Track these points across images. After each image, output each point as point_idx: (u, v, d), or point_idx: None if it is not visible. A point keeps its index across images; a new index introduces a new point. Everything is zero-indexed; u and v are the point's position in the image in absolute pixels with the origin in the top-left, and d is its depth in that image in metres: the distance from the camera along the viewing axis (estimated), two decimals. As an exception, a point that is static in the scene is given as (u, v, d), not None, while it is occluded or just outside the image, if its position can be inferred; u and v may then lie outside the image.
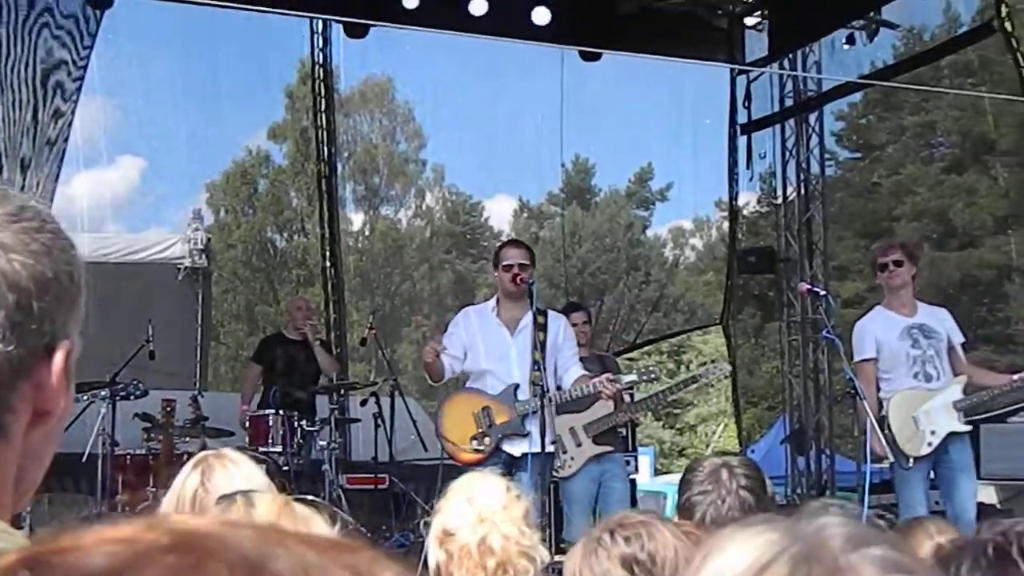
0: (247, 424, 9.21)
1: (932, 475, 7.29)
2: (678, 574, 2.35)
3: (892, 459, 7.11)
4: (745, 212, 15.89)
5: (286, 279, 27.23)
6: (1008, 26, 11.04)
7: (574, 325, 8.49)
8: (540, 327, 6.91)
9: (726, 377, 11.91)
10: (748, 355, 23.08)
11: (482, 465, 6.28)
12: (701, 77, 13.44)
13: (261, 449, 8.80)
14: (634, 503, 8.88)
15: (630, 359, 13.46)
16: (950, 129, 27.37)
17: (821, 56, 12.48)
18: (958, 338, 7.46)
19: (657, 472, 22.17)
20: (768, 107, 12.92)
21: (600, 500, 7.85)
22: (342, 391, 10.42)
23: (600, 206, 33.56)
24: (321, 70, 13.00)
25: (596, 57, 11.96)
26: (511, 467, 6.55)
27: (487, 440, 6.81)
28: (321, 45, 12.81)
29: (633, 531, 2.49)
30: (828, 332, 7.30)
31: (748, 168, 13.23)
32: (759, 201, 16.79)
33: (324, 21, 12.29)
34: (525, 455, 6.76)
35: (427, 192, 31.04)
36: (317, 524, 1.61)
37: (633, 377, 7.68)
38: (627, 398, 8.69)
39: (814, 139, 12.90)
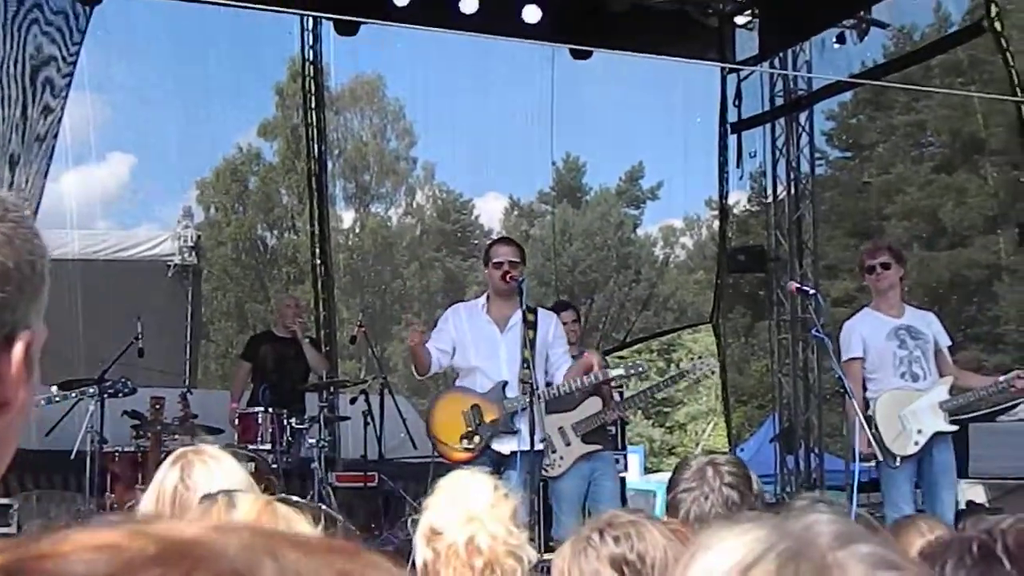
0: (236, 422, 9.20)
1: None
2: (667, 574, 2.35)
3: (880, 458, 7.14)
4: (735, 211, 15.92)
5: (276, 277, 27.14)
6: (998, 26, 11.07)
7: (563, 324, 8.49)
8: (530, 325, 6.90)
9: (713, 373, 11.93)
10: (738, 354, 23.11)
11: (471, 464, 6.26)
12: (692, 76, 13.46)
13: (250, 447, 8.78)
14: (624, 501, 8.89)
15: (620, 357, 13.43)
16: (940, 129, 27.42)
17: (811, 55, 12.50)
18: (945, 341, 7.53)
19: (647, 470, 22.16)
20: (758, 106, 12.93)
21: (590, 499, 7.86)
22: (331, 389, 10.40)
23: (591, 204, 33.57)
24: (311, 68, 12.98)
25: (587, 55, 11.96)
26: (499, 465, 6.54)
27: (476, 439, 6.81)
28: (311, 43, 12.79)
29: (623, 531, 2.48)
30: (817, 331, 7.29)
31: (738, 167, 13.26)
32: (749, 200, 16.84)
33: (314, 18, 12.28)
34: (514, 453, 6.76)
35: (417, 190, 31.04)
36: (299, 524, 1.60)
37: (620, 371, 7.69)
38: (616, 396, 8.70)
39: (804, 138, 12.91)
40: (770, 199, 13.24)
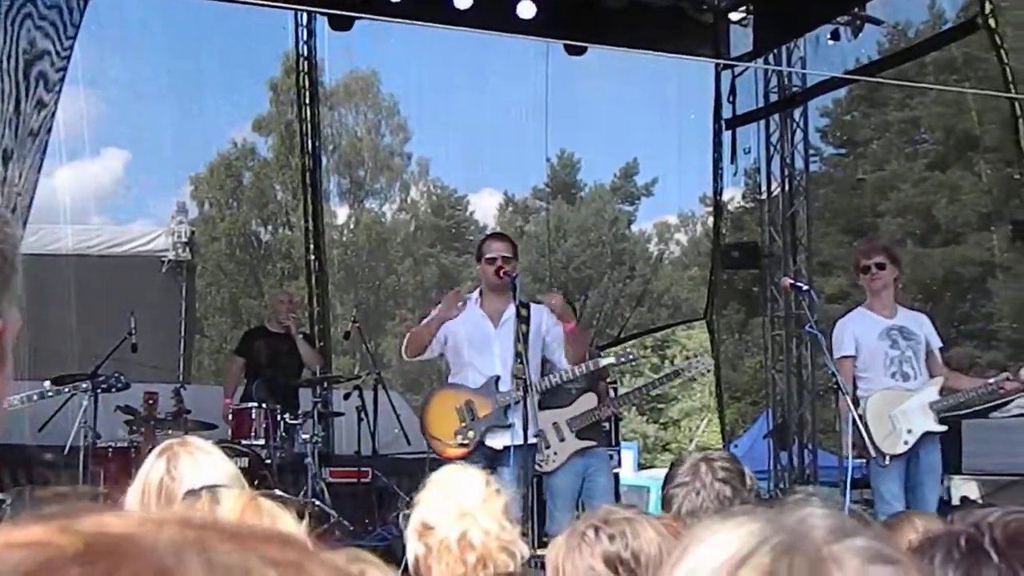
0: (230, 417, 9.20)
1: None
2: (661, 570, 2.35)
3: (873, 456, 7.16)
4: (729, 207, 15.90)
5: (270, 272, 27.14)
6: (992, 23, 11.08)
7: None
8: (523, 319, 6.90)
9: (708, 371, 11.95)
10: (732, 350, 23.09)
11: (465, 460, 6.26)
12: (686, 72, 13.46)
13: (244, 442, 8.80)
14: (617, 498, 8.89)
15: (614, 353, 13.44)
16: (934, 126, 27.42)
17: (806, 52, 12.50)
18: (936, 342, 7.58)
19: (641, 467, 22.19)
20: (753, 102, 12.93)
21: (584, 495, 7.86)
22: (325, 384, 10.39)
23: (585, 201, 33.57)
24: (306, 63, 12.96)
25: (581, 51, 11.95)
26: (493, 461, 6.54)
27: (471, 434, 6.82)
28: (306, 38, 12.77)
29: (618, 528, 2.48)
30: (811, 327, 7.33)
31: (732, 163, 13.26)
32: (743, 196, 16.78)
33: (309, 14, 12.25)
34: (507, 448, 6.76)
35: (412, 186, 31.02)
36: (283, 519, 1.60)
37: (611, 360, 7.72)
38: (611, 392, 8.72)
39: (798, 135, 12.91)
40: (764, 195, 13.24)
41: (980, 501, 10.51)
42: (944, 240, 27.07)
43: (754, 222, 14.16)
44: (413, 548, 3.04)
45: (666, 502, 3.46)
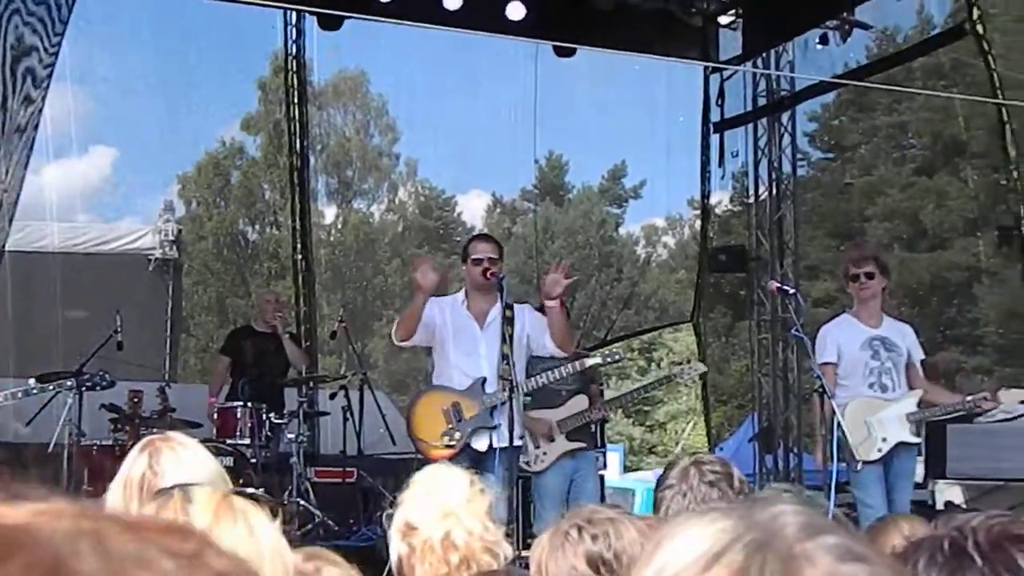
0: (215, 416, 9.17)
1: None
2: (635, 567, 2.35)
3: (848, 460, 7.19)
4: (717, 211, 15.94)
5: (257, 272, 27.11)
6: (980, 29, 11.13)
7: None
8: (507, 321, 6.87)
9: (700, 377, 11.99)
10: (718, 353, 23.15)
11: (450, 461, 6.24)
12: (675, 75, 13.47)
13: (229, 441, 8.78)
14: (603, 500, 8.89)
15: (600, 353, 13.44)
16: (922, 131, 27.52)
17: (794, 56, 12.52)
18: (918, 355, 7.61)
19: (626, 469, 22.20)
20: (741, 106, 12.94)
21: (570, 497, 7.87)
22: (311, 384, 10.38)
23: (573, 203, 33.59)
24: (294, 62, 12.94)
25: (570, 53, 11.95)
26: (477, 462, 6.52)
27: (457, 435, 6.79)
28: (294, 37, 12.75)
29: (601, 529, 2.49)
30: (797, 331, 7.35)
31: (720, 167, 13.28)
32: (731, 200, 16.85)
33: (298, 13, 12.23)
34: (491, 450, 6.74)
35: (400, 186, 31.01)
36: (257, 517, 1.59)
37: (597, 360, 7.70)
38: (602, 395, 8.75)
39: (786, 139, 12.93)
40: (752, 199, 13.25)
41: (964, 506, 10.54)
42: (931, 245, 27.16)
43: (741, 225, 14.19)
44: (396, 548, 3.04)
45: (656, 505, 3.47)
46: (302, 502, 8.76)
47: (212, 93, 15.71)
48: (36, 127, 10.26)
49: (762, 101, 12.87)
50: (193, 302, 25.05)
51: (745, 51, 12.59)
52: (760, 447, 12.75)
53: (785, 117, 12.94)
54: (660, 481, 3.50)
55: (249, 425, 8.96)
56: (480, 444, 6.84)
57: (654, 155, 15.03)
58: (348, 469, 9.84)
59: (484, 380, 6.87)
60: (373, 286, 27.96)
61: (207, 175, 28.67)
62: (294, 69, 12.98)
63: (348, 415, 9.66)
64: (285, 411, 9.40)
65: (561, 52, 11.99)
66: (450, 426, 6.81)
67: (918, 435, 7.43)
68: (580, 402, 8.06)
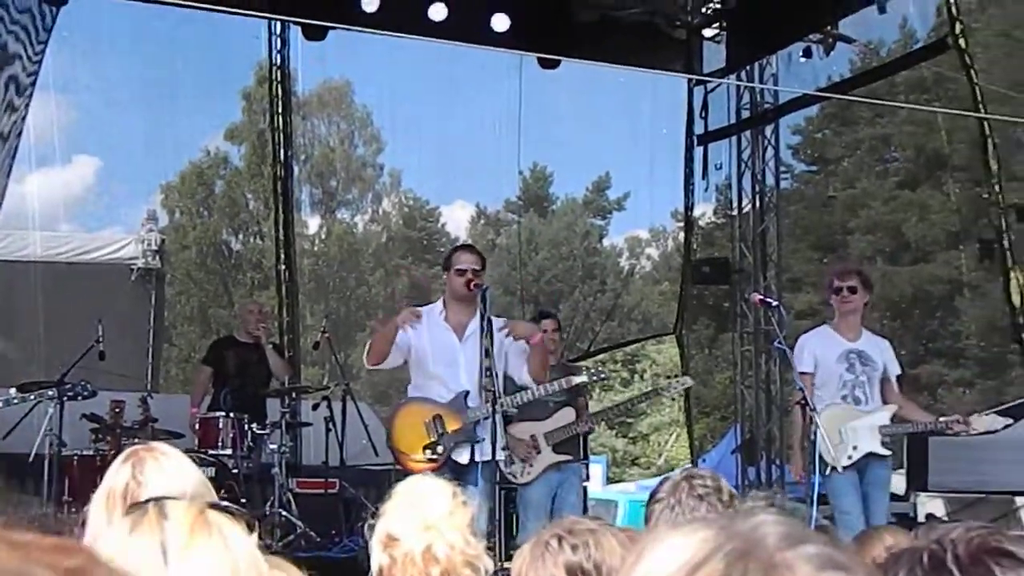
0: (197, 426, 9.13)
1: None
2: (617, 577, 2.35)
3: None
4: (700, 223, 15.97)
5: (240, 282, 27.09)
6: (962, 43, 11.17)
7: (544, 332, 8.50)
8: (485, 333, 6.81)
9: (687, 391, 12.06)
10: (701, 365, 23.16)
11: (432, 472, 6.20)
12: (659, 87, 13.51)
13: (211, 452, 8.74)
14: (585, 512, 8.89)
15: (585, 367, 13.46)
16: (904, 144, 27.61)
17: (778, 69, 12.57)
18: (894, 370, 7.69)
19: (609, 481, 22.20)
20: (725, 118, 12.99)
21: (554, 509, 7.87)
22: (294, 395, 10.35)
23: (557, 214, 33.63)
24: (279, 72, 12.91)
25: (555, 65, 11.97)
26: (458, 474, 6.48)
27: (439, 449, 6.72)
28: (279, 47, 12.73)
29: (581, 539, 2.48)
30: (780, 343, 7.39)
31: (704, 179, 13.31)
32: (714, 212, 16.88)
33: (282, 23, 12.22)
34: (473, 463, 6.71)
35: (384, 197, 31.00)
36: (234, 532, 1.58)
37: (583, 378, 7.67)
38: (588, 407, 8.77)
39: (770, 151, 12.97)
40: (735, 211, 13.29)
41: (946, 518, 10.56)
42: (913, 258, 27.24)
43: (725, 238, 14.22)
44: (378, 559, 3.03)
45: (646, 518, 3.47)
46: (284, 513, 8.73)
47: (196, 103, 15.73)
48: (19, 135, 10.25)
49: (746, 114, 12.92)
50: (176, 312, 25.00)
51: (729, 64, 12.63)
52: (743, 459, 12.77)
53: (769, 130, 12.99)
54: (652, 495, 3.50)
55: (231, 435, 8.92)
56: (462, 457, 6.79)
57: (638, 167, 15.07)
58: (330, 480, 9.80)
59: (467, 394, 6.82)
60: (356, 296, 27.94)
61: (191, 185, 28.63)
62: (278, 79, 12.97)
63: (331, 426, 9.63)
64: (267, 422, 9.36)
65: (545, 64, 12.01)
66: (432, 439, 6.74)
67: (889, 448, 7.48)
68: (567, 415, 8.08)
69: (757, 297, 8.72)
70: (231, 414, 9.00)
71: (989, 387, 23.65)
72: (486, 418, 6.59)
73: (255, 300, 13.22)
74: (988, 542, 1.35)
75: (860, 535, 4.05)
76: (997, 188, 11.63)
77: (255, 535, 1.63)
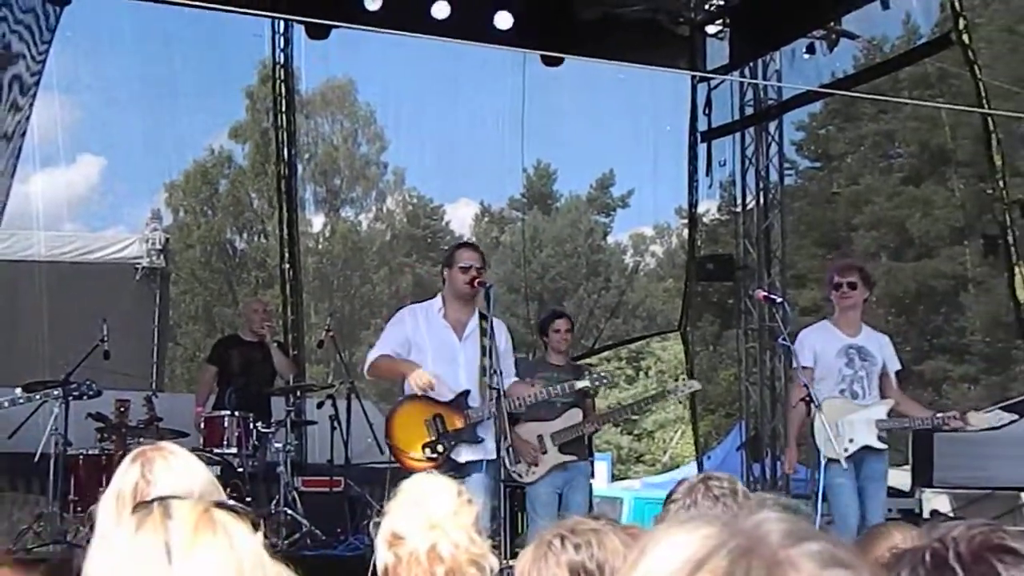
0: (202, 425, 9.13)
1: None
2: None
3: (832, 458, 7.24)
4: (705, 219, 15.95)
5: (245, 280, 27.12)
6: (966, 39, 11.15)
7: (557, 332, 8.52)
8: (483, 332, 6.79)
9: (694, 393, 12.08)
10: (706, 362, 23.16)
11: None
12: (662, 84, 13.49)
13: (216, 451, 8.75)
14: (591, 509, 8.90)
15: (589, 364, 13.46)
16: (908, 140, 27.59)
17: (782, 65, 12.56)
18: (894, 366, 7.74)
19: (614, 478, 22.22)
20: (728, 115, 12.96)
21: (560, 508, 7.89)
22: (298, 393, 10.35)
23: (561, 211, 33.63)
24: (282, 71, 12.92)
25: (558, 62, 11.97)
26: (459, 472, 6.46)
27: (440, 448, 6.69)
28: (282, 46, 12.74)
29: (584, 539, 2.48)
30: (784, 339, 7.42)
31: (708, 176, 13.28)
32: (719, 209, 16.85)
33: (285, 22, 12.22)
34: (469, 462, 6.68)
35: (388, 195, 30.97)
36: (239, 530, 1.58)
37: (586, 383, 7.66)
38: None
39: (774, 148, 12.96)
40: (739, 208, 13.27)
41: (951, 514, 10.57)
42: (917, 254, 27.22)
43: (729, 234, 14.20)
44: (383, 557, 3.03)
45: (660, 520, 3.47)
46: (289, 511, 8.73)
47: (200, 102, 15.71)
48: (23, 135, 10.26)
49: (749, 110, 12.90)
50: (180, 311, 25.03)
51: (732, 60, 12.63)
52: (748, 456, 12.76)
53: (772, 126, 12.97)
54: (668, 495, 3.50)
55: (236, 434, 8.93)
56: (459, 456, 6.75)
57: (642, 164, 15.07)
58: (335, 478, 9.80)
59: (467, 393, 6.79)
60: (361, 295, 27.94)
61: (195, 184, 28.64)
62: (282, 78, 12.97)
63: (335, 424, 9.62)
64: (272, 420, 9.37)
65: (549, 61, 12.01)
66: (432, 439, 6.71)
67: (885, 442, 7.50)
68: (574, 415, 8.11)
69: (761, 293, 8.75)
70: (236, 413, 9.00)
71: (994, 383, 23.65)
72: (488, 418, 6.57)
73: (259, 299, 13.18)
74: (990, 539, 1.35)
75: (868, 532, 4.05)
76: (1001, 184, 11.62)
77: (260, 534, 1.63)
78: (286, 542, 8.34)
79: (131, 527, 1.58)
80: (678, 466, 23.94)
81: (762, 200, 12.90)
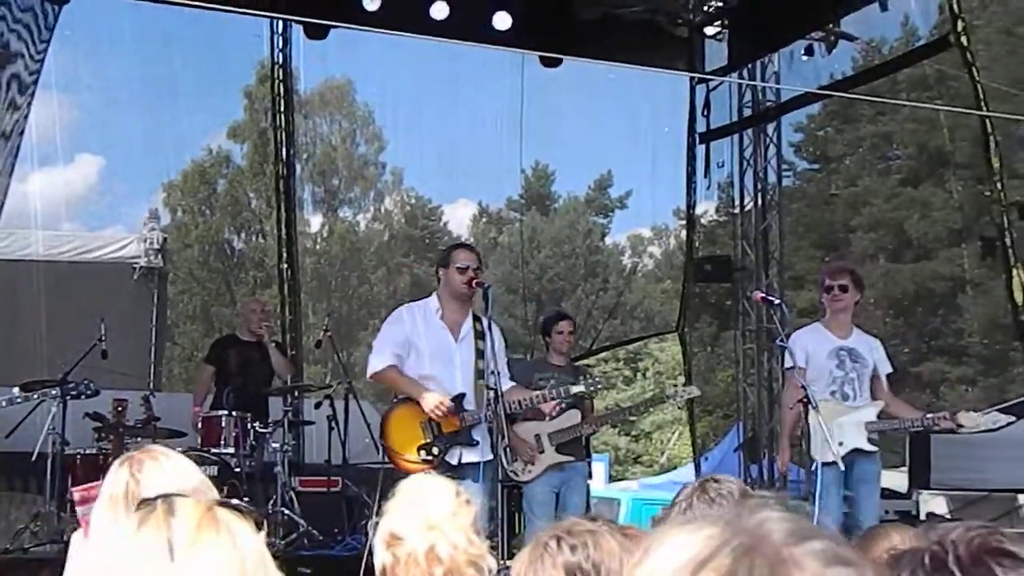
0: (199, 425, 9.14)
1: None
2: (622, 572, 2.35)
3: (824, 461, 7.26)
4: (703, 221, 15.96)
5: (243, 280, 27.10)
6: (964, 41, 11.15)
7: (560, 333, 8.54)
8: (479, 334, 6.77)
9: (694, 400, 12.09)
10: (704, 363, 23.16)
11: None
12: (660, 85, 13.49)
13: (213, 451, 8.75)
14: (588, 509, 8.91)
15: (587, 366, 13.46)
16: (906, 142, 27.60)
17: (780, 67, 12.57)
18: (885, 368, 7.79)
19: (612, 479, 22.21)
20: (727, 116, 12.97)
21: (557, 509, 7.89)
22: (296, 393, 10.36)
23: (559, 212, 33.63)
24: (280, 71, 12.91)
25: (556, 63, 11.96)
26: (455, 473, 6.43)
27: (435, 450, 6.67)
28: (281, 46, 12.73)
29: (580, 539, 2.48)
30: (782, 341, 7.44)
31: (706, 177, 13.28)
32: (717, 210, 16.86)
33: (284, 22, 12.21)
34: (465, 464, 6.65)
35: (386, 195, 30.98)
36: (242, 529, 1.58)
37: (581, 388, 7.64)
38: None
39: (772, 149, 12.97)
40: (737, 209, 13.27)
41: (948, 516, 10.57)
42: (915, 256, 27.23)
43: (727, 236, 14.20)
44: (381, 557, 3.03)
45: (658, 522, 3.48)
46: (286, 511, 8.73)
47: (198, 102, 15.70)
48: (21, 134, 10.25)
49: (748, 112, 12.91)
50: (178, 311, 25.02)
51: (731, 62, 12.63)
52: (745, 457, 12.76)
53: (770, 128, 12.98)
54: (673, 500, 3.51)
55: (234, 434, 8.93)
56: (452, 457, 6.71)
57: (640, 165, 15.07)
58: (333, 478, 9.80)
59: (463, 396, 6.76)
60: (359, 295, 27.94)
61: (193, 183, 28.64)
62: (280, 78, 12.96)
63: (333, 424, 9.63)
64: (270, 420, 9.37)
65: (547, 62, 12.01)
66: (427, 441, 6.69)
67: (876, 444, 7.54)
68: (573, 416, 8.11)
69: (759, 295, 8.77)
70: (234, 413, 9.00)
71: (991, 385, 23.65)
72: (488, 421, 6.54)
73: (257, 299, 13.17)
74: (989, 542, 1.35)
75: (866, 533, 4.05)
76: (999, 185, 11.62)
77: (263, 533, 1.62)
78: (283, 542, 8.34)
79: (134, 524, 1.58)
80: (676, 467, 23.93)
81: (760, 201, 12.90)
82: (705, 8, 12.49)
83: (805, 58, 12.09)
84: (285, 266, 13.21)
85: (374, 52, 14.83)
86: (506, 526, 8.18)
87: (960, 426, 7.36)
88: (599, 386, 8.40)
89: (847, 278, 7.76)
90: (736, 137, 13.02)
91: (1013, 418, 9.12)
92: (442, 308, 6.88)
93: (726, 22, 12.38)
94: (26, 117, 10.31)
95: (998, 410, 10.30)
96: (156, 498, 1.61)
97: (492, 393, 6.41)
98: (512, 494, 8.46)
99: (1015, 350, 20.65)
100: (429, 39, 11.09)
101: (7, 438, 8.37)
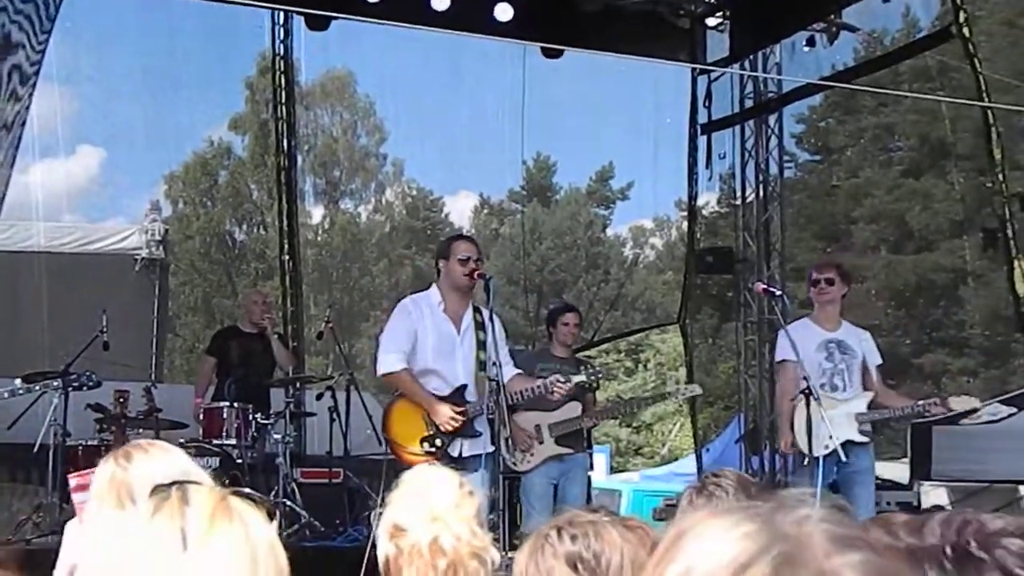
0: (201, 417, 9.15)
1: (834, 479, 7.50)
2: (623, 575, 2.35)
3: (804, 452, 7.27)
4: (704, 212, 15.93)
5: (244, 272, 27.11)
6: (966, 32, 11.14)
7: (565, 325, 8.55)
8: (479, 325, 6.77)
9: (696, 397, 12.10)
10: (705, 355, 23.16)
11: (428, 465, 6.13)
12: (662, 76, 13.47)
13: (215, 442, 8.76)
14: (589, 500, 8.91)
15: (588, 357, 13.46)
16: (908, 133, 27.59)
17: (782, 58, 12.54)
18: (874, 360, 7.87)
19: (613, 470, 22.24)
20: (728, 107, 12.93)
21: (557, 501, 7.88)
22: (298, 384, 10.35)
23: (560, 204, 33.61)
24: (282, 62, 12.90)
25: (558, 54, 11.95)
26: (458, 465, 6.43)
27: (437, 442, 6.66)
28: (282, 37, 12.71)
29: (581, 530, 2.48)
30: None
31: (708, 168, 13.25)
32: (718, 201, 16.85)
33: (285, 13, 12.19)
34: (467, 456, 6.65)
35: (387, 187, 31.00)
36: (255, 519, 1.58)
37: (582, 378, 7.64)
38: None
39: (773, 140, 12.94)
40: (739, 201, 13.25)
41: (949, 507, 10.57)
42: (917, 247, 27.22)
43: (728, 227, 14.19)
44: (384, 548, 3.03)
45: (658, 513, 3.49)
46: (288, 503, 8.74)
47: (199, 93, 15.71)
48: (23, 125, 10.23)
49: (749, 103, 12.88)
50: (179, 302, 25.03)
51: (732, 53, 12.60)
52: (746, 448, 12.76)
53: (772, 119, 12.96)
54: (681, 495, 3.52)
55: (235, 426, 8.94)
56: (460, 451, 6.72)
57: (641, 157, 15.05)
58: (334, 470, 9.80)
59: (464, 387, 6.76)
60: (360, 286, 27.95)
61: (194, 175, 28.64)
62: (281, 69, 12.95)
63: (335, 416, 9.62)
64: (271, 412, 9.37)
65: (549, 53, 11.99)
66: (430, 433, 6.69)
67: (868, 435, 7.58)
68: (574, 408, 8.11)
69: (761, 286, 8.80)
70: (235, 404, 9.01)
71: (993, 376, 23.66)
72: (491, 414, 6.54)
73: (259, 290, 13.21)
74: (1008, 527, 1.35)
75: (866, 522, 4.06)
76: (1001, 177, 11.61)
77: (275, 523, 1.62)
78: (285, 533, 8.34)
79: (148, 511, 1.57)
80: (677, 459, 23.97)
81: (762, 193, 12.89)
82: (707, -1, 12.48)
83: (807, 49, 12.08)
84: (286, 257, 13.21)
85: (375, 43, 14.82)
86: (507, 518, 8.18)
87: (951, 410, 7.40)
88: (600, 375, 8.41)
89: (833, 271, 7.87)
90: (738, 128, 12.99)
91: (1014, 409, 9.12)
92: (444, 300, 6.86)
93: (727, 13, 12.36)
94: (27, 108, 10.29)
95: (999, 401, 10.32)
96: (171, 484, 1.60)
97: (494, 384, 6.41)
98: (514, 486, 8.47)
99: (1016, 342, 20.68)
100: (430, 30, 11.09)
101: (9, 429, 8.37)
